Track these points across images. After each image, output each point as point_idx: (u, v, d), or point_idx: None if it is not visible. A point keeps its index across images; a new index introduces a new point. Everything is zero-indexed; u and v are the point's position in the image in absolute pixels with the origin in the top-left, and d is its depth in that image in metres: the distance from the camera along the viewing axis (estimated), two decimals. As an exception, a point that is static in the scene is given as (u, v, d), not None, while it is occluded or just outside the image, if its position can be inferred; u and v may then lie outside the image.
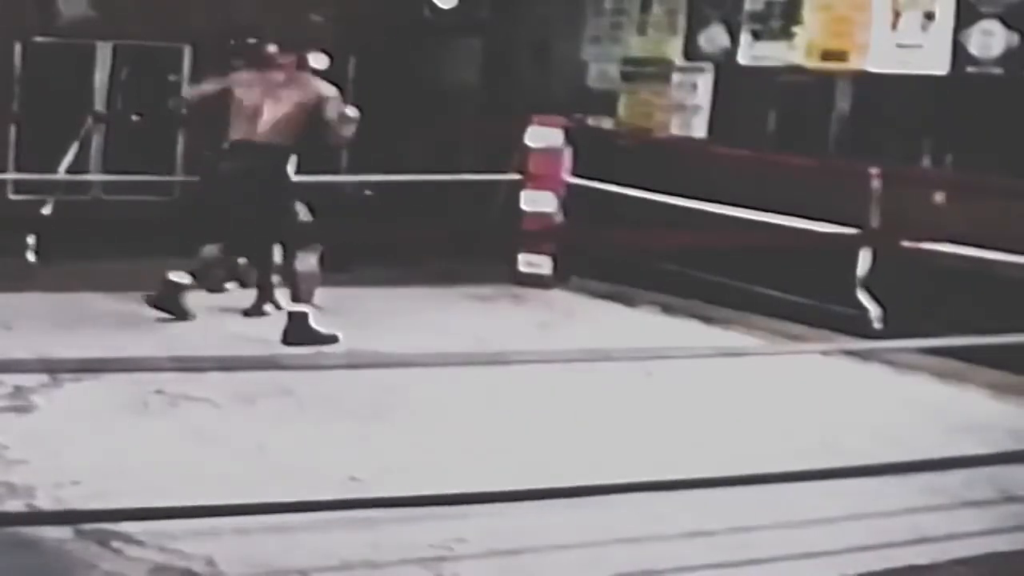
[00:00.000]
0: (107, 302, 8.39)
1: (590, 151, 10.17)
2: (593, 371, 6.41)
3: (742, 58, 10.53)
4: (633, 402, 6.47)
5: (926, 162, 9.48)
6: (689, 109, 10.87)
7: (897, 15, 9.47)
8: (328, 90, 7.57)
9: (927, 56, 9.30)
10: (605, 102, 11.44)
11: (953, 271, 7.98)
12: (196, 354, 5.96)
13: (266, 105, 7.49)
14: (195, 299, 7.66)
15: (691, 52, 10.88)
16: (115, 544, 4.23)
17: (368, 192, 10.88)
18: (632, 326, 8.83)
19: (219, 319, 7.71)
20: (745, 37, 10.46)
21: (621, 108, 11.39)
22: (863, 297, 8.54)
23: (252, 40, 8.24)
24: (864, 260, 8.59)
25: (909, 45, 9.41)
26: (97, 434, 5.49)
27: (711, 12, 10.75)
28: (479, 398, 6.20)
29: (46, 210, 9.33)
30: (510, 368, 5.88)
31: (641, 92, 11.24)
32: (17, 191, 10.29)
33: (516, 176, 10.11)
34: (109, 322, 7.51)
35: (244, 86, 7.63)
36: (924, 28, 9.32)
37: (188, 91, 8.53)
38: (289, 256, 7.42)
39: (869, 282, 8.56)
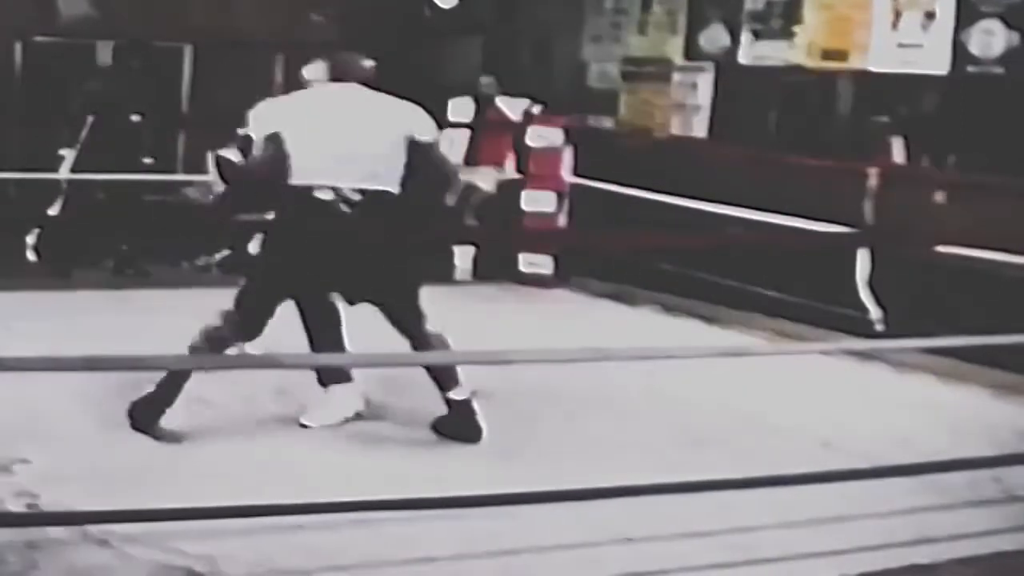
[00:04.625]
0: (108, 301, 8.40)
1: (590, 151, 10.18)
2: (593, 371, 6.39)
3: (743, 58, 10.53)
4: (633, 402, 6.46)
5: (926, 162, 9.48)
6: (689, 109, 10.87)
7: (898, 14, 9.46)
8: None
9: (927, 56, 9.29)
10: (605, 102, 11.44)
11: (953, 270, 7.97)
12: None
13: None
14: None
15: (691, 52, 10.87)
16: (115, 544, 4.23)
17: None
18: (632, 326, 8.83)
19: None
20: (746, 36, 10.46)
21: (621, 108, 11.39)
22: (864, 297, 8.55)
23: None
24: (864, 260, 8.61)
25: (909, 45, 9.41)
26: (97, 433, 5.49)
27: (711, 11, 10.75)
28: (478, 398, 6.18)
29: (52, 210, 9.33)
30: (510, 367, 5.88)
31: (641, 92, 11.23)
32: (18, 190, 10.27)
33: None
34: (110, 321, 7.50)
35: None
36: (924, 28, 9.31)
37: None
38: None
39: (870, 282, 8.57)
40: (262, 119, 5.60)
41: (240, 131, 5.79)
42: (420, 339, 5.61)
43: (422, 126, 5.62)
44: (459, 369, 5.70)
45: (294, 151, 5.48)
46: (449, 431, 5.71)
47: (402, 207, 5.62)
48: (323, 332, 5.83)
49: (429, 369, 5.68)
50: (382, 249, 5.56)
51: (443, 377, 5.65)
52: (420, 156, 5.58)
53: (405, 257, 5.75)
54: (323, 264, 5.49)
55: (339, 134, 5.48)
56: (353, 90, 5.62)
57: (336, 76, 5.67)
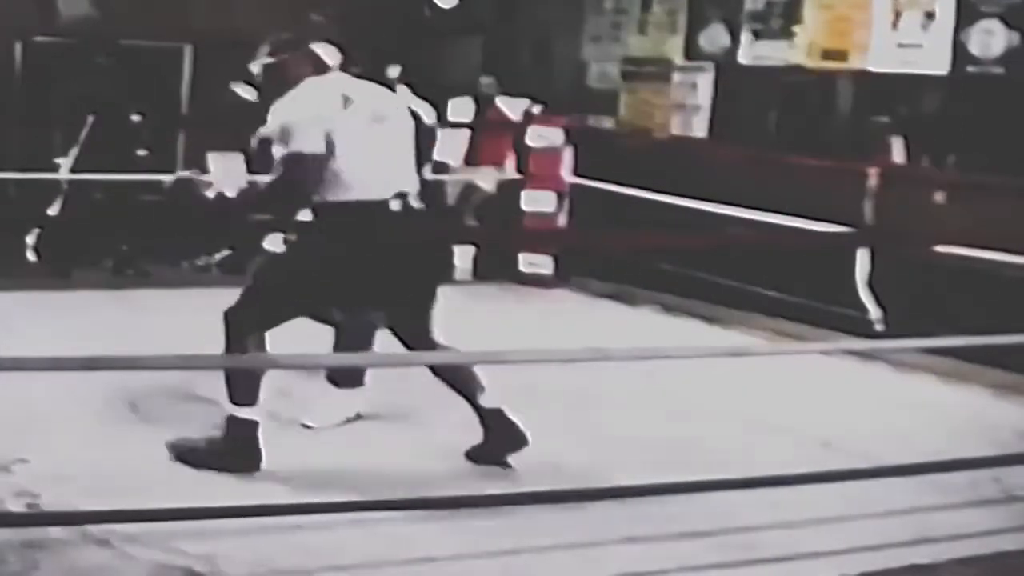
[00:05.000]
0: (108, 301, 8.41)
1: (590, 151, 10.18)
2: (593, 371, 6.40)
3: (743, 58, 10.53)
4: (633, 402, 6.46)
5: (926, 162, 9.49)
6: (689, 109, 10.87)
7: (897, 14, 9.47)
8: None
9: (927, 56, 9.30)
10: (605, 102, 11.45)
11: (953, 270, 7.97)
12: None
13: None
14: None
15: (691, 51, 10.88)
16: (115, 544, 4.23)
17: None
18: (632, 326, 8.83)
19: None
20: (746, 36, 10.46)
21: (621, 108, 11.39)
22: (864, 297, 8.56)
23: None
24: (864, 260, 8.61)
25: (909, 45, 9.41)
26: (97, 433, 5.50)
27: (711, 11, 10.75)
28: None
29: (52, 210, 9.35)
30: (510, 367, 5.88)
31: (641, 92, 11.24)
32: (18, 190, 10.27)
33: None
34: (110, 320, 7.51)
35: None
36: (924, 27, 9.32)
37: None
38: None
39: (870, 282, 8.57)
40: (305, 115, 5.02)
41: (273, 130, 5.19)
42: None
43: (422, 108, 5.48)
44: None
45: (348, 158, 5.00)
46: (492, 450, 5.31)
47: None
48: (357, 340, 5.72)
49: (454, 383, 5.32)
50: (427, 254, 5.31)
51: (469, 385, 5.30)
52: (423, 139, 5.32)
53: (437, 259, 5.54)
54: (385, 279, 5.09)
55: (377, 133, 5.10)
56: (347, 79, 5.23)
57: (322, 66, 5.22)
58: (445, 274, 5.58)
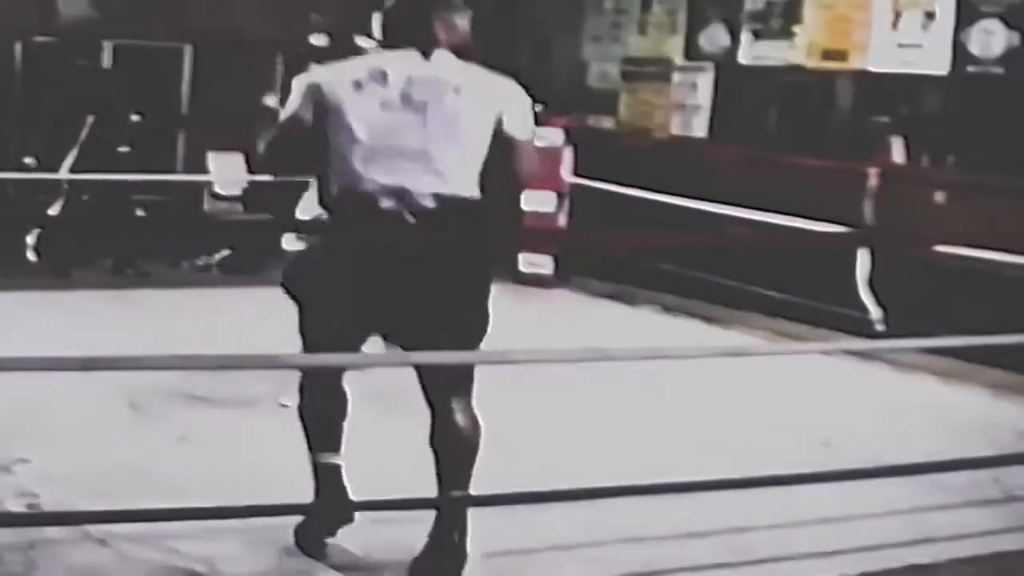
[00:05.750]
0: (108, 300, 8.41)
1: (590, 151, 10.18)
2: (593, 371, 6.40)
3: (743, 58, 10.53)
4: (633, 402, 6.46)
5: (926, 162, 9.49)
6: (689, 109, 10.87)
7: (898, 15, 9.47)
8: None
9: (927, 56, 9.29)
10: (605, 102, 11.44)
11: (953, 270, 7.97)
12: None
13: None
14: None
15: (692, 51, 10.88)
16: (115, 544, 4.23)
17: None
18: (632, 326, 8.83)
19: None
20: (746, 36, 10.46)
21: (621, 108, 11.39)
22: (864, 297, 8.56)
23: None
24: (864, 260, 8.61)
25: (909, 45, 9.41)
26: (97, 433, 5.49)
27: (711, 11, 10.75)
28: (478, 398, 6.18)
29: (53, 210, 9.35)
30: (510, 368, 5.87)
31: (641, 92, 11.23)
32: (17, 190, 10.27)
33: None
34: (109, 320, 7.51)
35: None
36: (924, 27, 9.31)
37: None
38: None
39: (870, 282, 8.58)
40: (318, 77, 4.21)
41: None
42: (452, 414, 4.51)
43: (513, 112, 4.43)
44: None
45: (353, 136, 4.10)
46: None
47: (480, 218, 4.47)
48: None
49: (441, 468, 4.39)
50: (454, 280, 4.38)
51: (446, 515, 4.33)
52: (501, 152, 4.37)
53: (480, 292, 4.55)
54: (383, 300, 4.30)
55: (413, 118, 4.15)
56: (438, 59, 4.28)
57: (418, 40, 4.26)
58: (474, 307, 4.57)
